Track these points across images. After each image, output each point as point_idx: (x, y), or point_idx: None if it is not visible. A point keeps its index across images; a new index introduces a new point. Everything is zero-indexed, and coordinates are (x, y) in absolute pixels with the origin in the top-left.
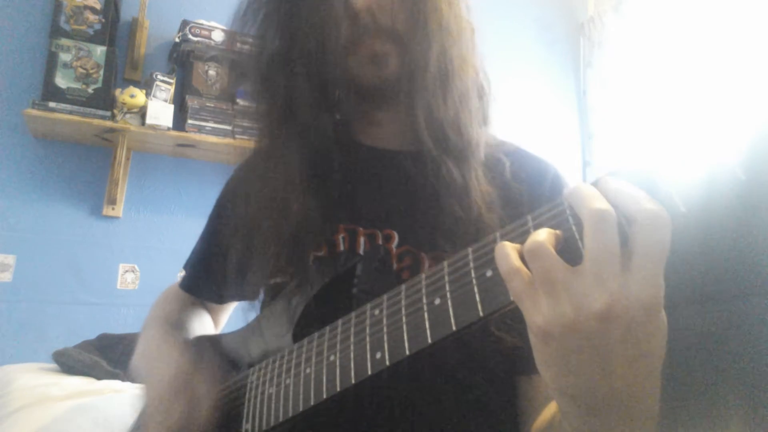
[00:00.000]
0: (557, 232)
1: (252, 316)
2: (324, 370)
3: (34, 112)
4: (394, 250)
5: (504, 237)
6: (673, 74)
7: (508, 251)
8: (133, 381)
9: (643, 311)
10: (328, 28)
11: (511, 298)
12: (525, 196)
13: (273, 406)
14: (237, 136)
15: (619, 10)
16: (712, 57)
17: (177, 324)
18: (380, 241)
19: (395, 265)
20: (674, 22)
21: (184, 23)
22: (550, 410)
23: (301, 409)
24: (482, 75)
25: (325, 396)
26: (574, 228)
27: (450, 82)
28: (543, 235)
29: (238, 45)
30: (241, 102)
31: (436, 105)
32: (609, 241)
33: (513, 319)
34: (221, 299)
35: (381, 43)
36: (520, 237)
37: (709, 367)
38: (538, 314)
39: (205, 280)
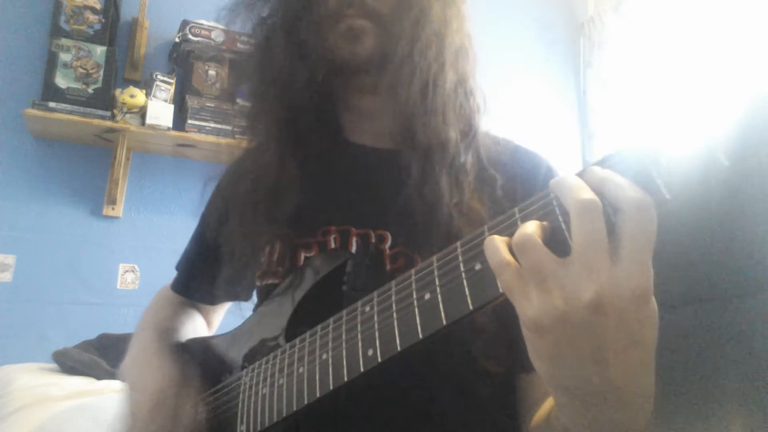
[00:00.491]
0: (544, 223)
1: (245, 316)
2: (317, 369)
3: (34, 112)
4: (387, 251)
5: (492, 230)
6: (671, 73)
7: (497, 244)
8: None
9: (634, 299)
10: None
11: (502, 291)
12: (518, 194)
13: (267, 406)
14: (237, 136)
15: (619, 10)
16: (705, 51)
17: (168, 330)
18: (373, 241)
19: (388, 266)
20: (674, 22)
21: (184, 23)
22: (547, 404)
23: (294, 409)
24: (473, 82)
25: (318, 395)
26: (561, 219)
27: (426, 74)
28: (531, 228)
29: (238, 45)
30: (241, 102)
31: (408, 94)
32: (596, 231)
33: (509, 317)
34: (213, 300)
35: (360, 18)
36: (509, 229)
37: (706, 367)
38: (530, 307)
39: (197, 281)
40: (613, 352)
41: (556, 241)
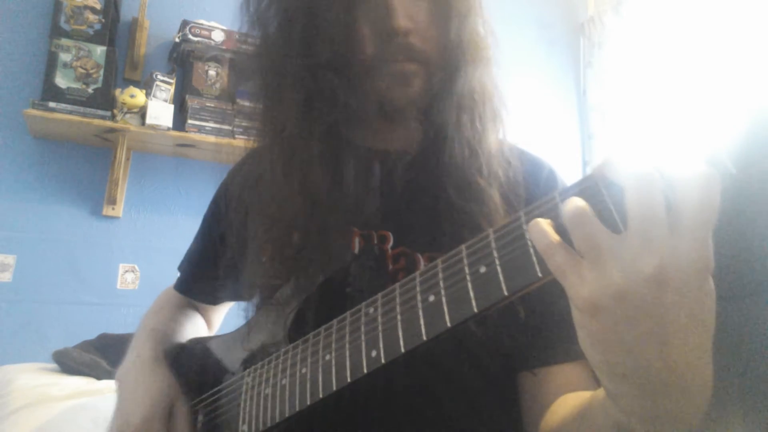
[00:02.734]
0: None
1: (247, 316)
2: (320, 370)
3: (34, 112)
4: (389, 251)
5: (497, 233)
6: (671, 74)
7: (543, 227)
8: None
9: (696, 273)
10: (362, 41)
11: (506, 294)
12: (522, 199)
13: (269, 406)
14: (237, 136)
15: (619, 10)
16: (706, 54)
17: (167, 334)
18: (375, 242)
19: (390, 266)
20: (674, 22)
21: (184, 23)
22: (578, 399)
23: (297, 409)
24: (498, 97)
25: (321, 395)
26: (608, 199)
27: (476, 109)
28: (581, 202)
29: (239, 45)
30: (241, 102)
31: (461, 131)
32: (655, 202)
33: (508, 316)
34: (215, 300)
35: (409, 62)
36: (515, 232)
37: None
38: (584, 286)
39: (200, 281)
40: (675, 332)
41: (603, 222)
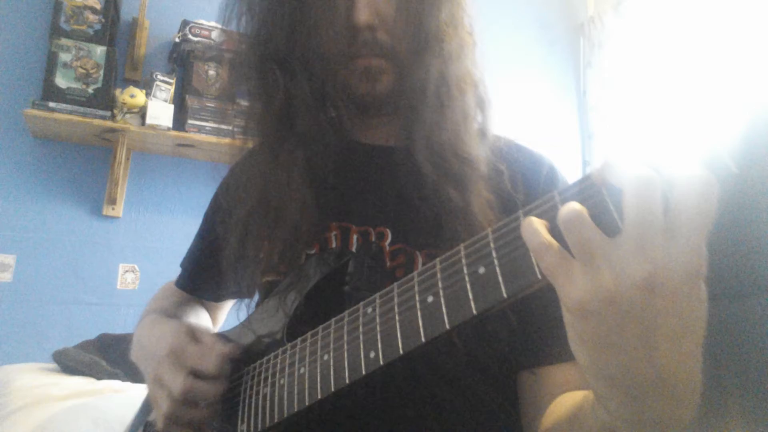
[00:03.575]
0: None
1: (246, 314)
2: (318, 370)
3: (34, 112)
4: (388, 248)
5: (497, 232)
6: (671, 73)
7: (536, 227)
8: (133, 380)
9: (688, 280)
10: (327, 39)
11: (506, 296)
12: (521, 202)
13: (268, 406)
14: (238, 136)
15: (619, 10)
16: (706, 54)
17: (174, 315)
18: (373, 239)
19: (388, 263)
20: (673, 22)
21: (184, 23)
22: (573, 400)
23: (296, 410)
24: (482, 88)
25: (320, 396)
26: (608, 199)
27: (448, 102)
28: (577, 206)
29: (240, 46)
30: (241, 102)
31: (433, 126)
32: (653, 207)
33: (509, 314)
34: (217, 297)
35: (376, 58)
36: (515, 232)
37: (706, 367)
38: (575, 289)
39: (201, 278)
40: (664, 338)
41: (601, 222)
